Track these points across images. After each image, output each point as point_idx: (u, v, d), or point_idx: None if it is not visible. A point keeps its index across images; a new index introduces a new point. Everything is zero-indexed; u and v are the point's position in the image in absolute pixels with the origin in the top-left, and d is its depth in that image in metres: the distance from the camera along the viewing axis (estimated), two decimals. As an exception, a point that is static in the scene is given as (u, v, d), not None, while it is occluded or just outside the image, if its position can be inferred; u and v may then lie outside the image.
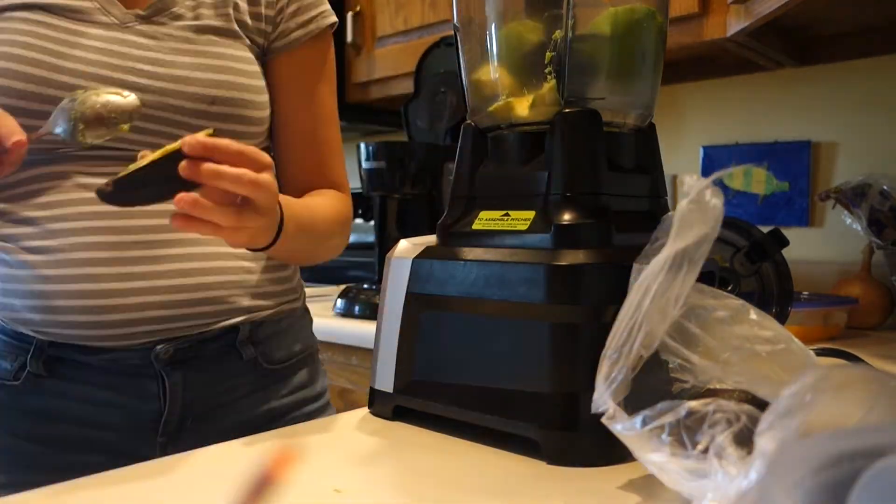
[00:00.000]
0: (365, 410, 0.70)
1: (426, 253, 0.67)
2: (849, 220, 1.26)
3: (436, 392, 0.64)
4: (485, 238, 0.65)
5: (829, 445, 0.31)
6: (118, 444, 0.75)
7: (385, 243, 1.52)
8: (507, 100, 0.66)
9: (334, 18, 0.88)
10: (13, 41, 0.73)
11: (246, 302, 0.80)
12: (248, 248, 0.69)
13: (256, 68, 0.82)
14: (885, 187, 1.19)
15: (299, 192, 0.84)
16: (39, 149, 0.73)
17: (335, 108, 0.90)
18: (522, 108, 0.65)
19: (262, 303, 0.82)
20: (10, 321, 0.77)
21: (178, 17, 0.78)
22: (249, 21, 0.82)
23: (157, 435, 0.76)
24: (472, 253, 0.63)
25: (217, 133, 0.62)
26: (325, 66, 0.88)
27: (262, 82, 0.82)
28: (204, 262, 0.77)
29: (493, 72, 0.68)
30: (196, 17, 0.79)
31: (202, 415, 0.79)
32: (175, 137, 0.75)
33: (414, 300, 0.66)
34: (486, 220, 0.66)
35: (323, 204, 0.84)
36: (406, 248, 0.70)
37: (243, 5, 0.81)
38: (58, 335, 0.74)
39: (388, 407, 0.67)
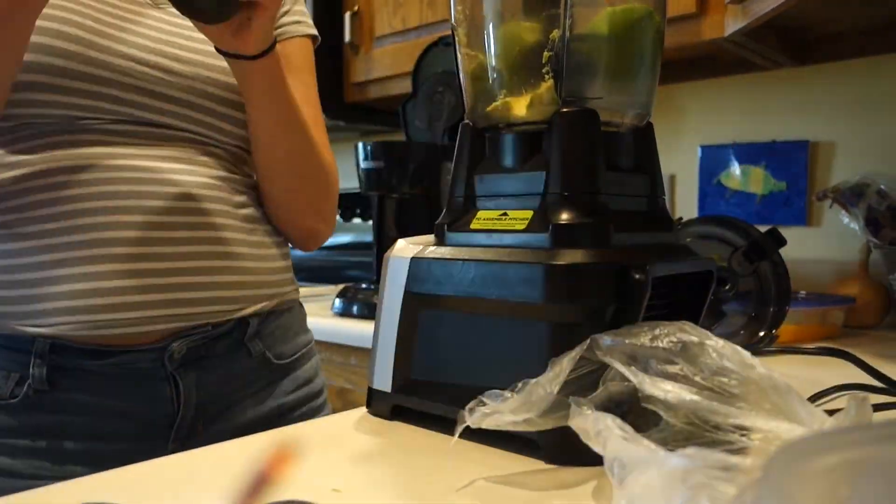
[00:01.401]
0: (363, 410, 0.70)
1: (424, 252, 0.67)
2: (846, 220, 1.27)
3: (434, 391, 0.64)
4: (483, 237, 0.65)
5: (828, 445, 0.31)
6: (129, 454, 0.71)
7: (383, 243, 1.52)
8: (505, 99, 0.66)
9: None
10: (57, 17, 0.69)
11: (251, 293, 0.80)
12: (239, 55, 0.70)
13: None
14: (882, 187, 1.19)
15: None
16: (61, 119, 0.70)
17: None
18: (520, 107, 0.65)
19: (265, 292, 0.82)
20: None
21: None
22: None
23: (169, 441, 0.75)
24: (470, 252, 0.63)
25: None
26: None
27: None
28: (213, 262, 0.76)
29: (490, 71, 0.68)
30: None
31: (213, 416, 0.78)
32: (205, 123, 0.77)
33: (412, 299, 0.66)
34: (483, 219, 0.66)
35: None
36: (404, 247, 0.70)
37: None
38: (58, 333, 0.69)
39: (387, 406, 0.67)
